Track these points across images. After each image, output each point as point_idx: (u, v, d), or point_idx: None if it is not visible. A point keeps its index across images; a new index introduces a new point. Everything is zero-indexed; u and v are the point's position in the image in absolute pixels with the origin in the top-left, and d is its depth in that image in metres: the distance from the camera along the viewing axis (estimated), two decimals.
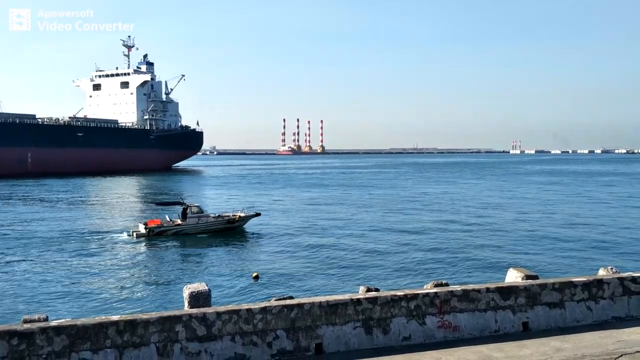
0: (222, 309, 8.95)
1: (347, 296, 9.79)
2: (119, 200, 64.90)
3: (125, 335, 8.21)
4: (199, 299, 9.42)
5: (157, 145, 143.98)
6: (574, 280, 11.10)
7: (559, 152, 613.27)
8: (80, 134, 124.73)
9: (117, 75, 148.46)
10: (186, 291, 9.59)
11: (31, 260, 29.74)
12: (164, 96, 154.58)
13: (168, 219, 38.56)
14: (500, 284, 10.86)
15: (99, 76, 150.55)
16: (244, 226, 40.30)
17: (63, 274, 26.65)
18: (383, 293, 10.19)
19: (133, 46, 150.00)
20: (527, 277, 11.29)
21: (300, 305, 9.23)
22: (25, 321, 8.36)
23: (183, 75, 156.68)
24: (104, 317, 8.51)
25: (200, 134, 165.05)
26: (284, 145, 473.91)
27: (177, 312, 8.70)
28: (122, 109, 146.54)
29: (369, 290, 10.61)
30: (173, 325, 8.47)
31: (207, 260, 30.60)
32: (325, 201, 63.93)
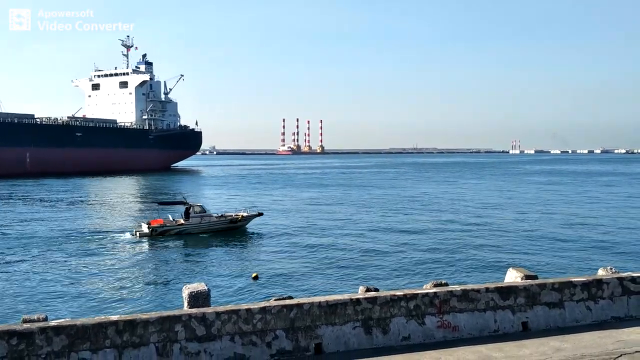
0: (221, 309, 8.95)
1: (346, 296, 9.79)
2: (120, 200, 64.90)
3: (125, 335, 8.20)
4: (199, 299, 9.42)
5: (156, 145, 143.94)
6: (573, 280, 11.10)
7: (558, 152, 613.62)
8: (79, 134, 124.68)
9: (116, 75, 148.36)
10: (185, 291, 9.58)
11: (31, 260, 29.72)
12: (162, 96, 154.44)
13: (171, 219, 38.61)
14: (499, 284, 10.87)
15: (98, 76, 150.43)
16: (245, 226, 40.35)
17: (63, 273, 26.63)
18: (382, 293, 10.19)
19: (132, 46, 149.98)
20: (527, 277, 11.29)
21: (299, 305, 9.23)
22: (25, 321, 8.36)
23: (182, 75, 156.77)
24: (103, 317, 8.51)
25: (199, 133, 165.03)
26: (284, 145, 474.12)
27: (176, 312, 8.70)
28: (121, 108, 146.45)
29: (368, 290, 10.61)
30: (172, 325, 8.47)
31: (206, 260, 30.60)
32: (325, 201, 63.94)
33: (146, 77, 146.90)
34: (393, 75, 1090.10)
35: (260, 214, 41.23)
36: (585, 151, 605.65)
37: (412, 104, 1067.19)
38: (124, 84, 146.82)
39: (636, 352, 9.19)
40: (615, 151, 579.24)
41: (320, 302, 9.36)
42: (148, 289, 24.26)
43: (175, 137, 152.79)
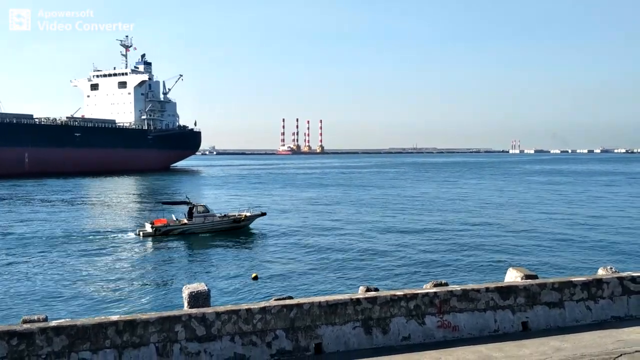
0: (221, 309, 8.95)
1: (346, 296, 9.78)
2: (121, 200, 64.88)
3: (125, 336, 8.20)
4: (199, 299, 9.41)
5: (155, 145, 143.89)
6: (573, 280, 11.10)
7: (558, 151, 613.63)
8: (77, 134, 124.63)
9: (115, 75, 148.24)
10: (185, 291, 9.57)
11: (32, 260, 29.71)
12: (161, 96, 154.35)
13: (174, 219, 38.64)
14: (499, 284, 10.87)
15: (97, 76, 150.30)
16: (248, 226, 40.41)
17: (63, 274, 26.63)
18: (382, 293, 10.18)
19: (131, 46, 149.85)
20: (527, 276, 11.28)
21: (299, 305, 9.22)
22: (25, 321, 8.35)
23: (181, 75, 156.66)
24: (103, 317, 8.50)
25: (198, 133, 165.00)
26: (283, 145, 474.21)
27: (176, 312, 8.70)
28: (120, 108, 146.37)
29: (368, 290, 10.61)
30: (172, 325, 8.47)
31: (207, 260, 30.60)
32: (325, 201, 63.96)
33: (145, 77, 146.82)
34: (393, 75, 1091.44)
35: (264, 214, 41.33)
36: (585, 151, 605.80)
37: (412, 104, 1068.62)
38: (122, 84, 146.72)
39: (636, 351, 9.19)
40: (615, 151, 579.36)
41: (320, 302, 9.35)
42: (148, 289, 24.25)
43: (174, 137, 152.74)
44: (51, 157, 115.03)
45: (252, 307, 9.06)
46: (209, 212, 38.98)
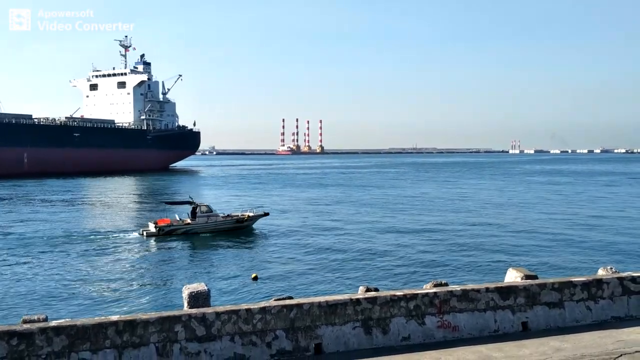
0: (221, 309, 8.95)
1: (346, 296, 9.78)
2: (121, 200, 64.87)
3: (125, 336, 8.20)
4: (198, 299, 9.41)
5: (154, 145, 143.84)
6: (573, 280, 11.10)
7: (558, 151, 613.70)
8: (76, 134, 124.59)
9: (114, 75, 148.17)
10: (185, 291, 9.58)
11: (32, 260, 29.70)
12: (161, 96, 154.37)
13: (178, 218, 38.67)
14: (499, 284, 10.87)
15: (96, 76, 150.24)
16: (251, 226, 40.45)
17: (63, 273, 26.62)
18: (382, 293, 10.18)
19: (130, 46, 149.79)
20: (527, 276, 11.29)
21: (299, 305, 9.22)
22: (25, 321, 8.35)
23: (180, 75, 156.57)
24: (103, 318, 8.50)
25: (198, 134, 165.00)
26: (283, 145, 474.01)
27: (176, 313, 8.70)
28: (119, 109, 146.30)
29: (368, 290, 10.61)
30: (172, 325, 8.47)
31: (206, 260, 30.59)
32: (325, 201, 63.95)
33: (144, 77, 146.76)
34: (393, 75, 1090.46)
35: (266, 214, 41.41)
36: (585, 151, 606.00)
37: (412, 104, 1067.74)
38: (122, 84, 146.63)
39: (636, 352, 9.19)
40: (615, 151, 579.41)
41: (320, 302, 9.35)
42: (148, 289, 24.25)
43: (173, 137, 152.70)
44: (50, 157, 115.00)
45: (252, 307, 9.06)
46: (212, 212, 39.03)
